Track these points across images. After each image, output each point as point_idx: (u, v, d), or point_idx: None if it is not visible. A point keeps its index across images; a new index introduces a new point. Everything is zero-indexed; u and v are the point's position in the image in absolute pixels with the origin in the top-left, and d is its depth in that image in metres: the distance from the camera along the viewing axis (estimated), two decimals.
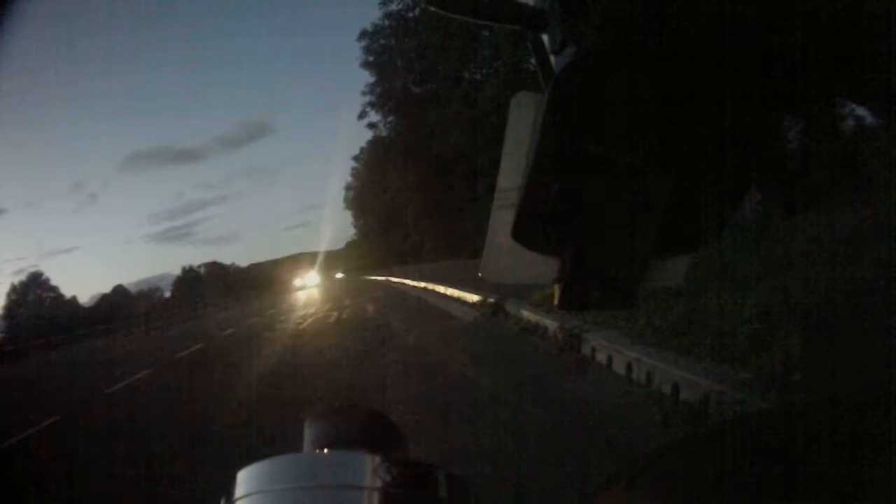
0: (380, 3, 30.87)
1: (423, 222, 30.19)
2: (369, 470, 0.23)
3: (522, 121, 0.38)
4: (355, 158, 49.33)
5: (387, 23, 31.90)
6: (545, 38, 0.37)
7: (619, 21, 0.30)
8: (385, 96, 33.62)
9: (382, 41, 32.72)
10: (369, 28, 32.82)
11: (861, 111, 0.36)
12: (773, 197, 0.37)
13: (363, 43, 33.04)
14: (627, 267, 0.39)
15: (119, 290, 79.35)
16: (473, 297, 9.19)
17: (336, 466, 0.23)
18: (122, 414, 6.11)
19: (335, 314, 13.40)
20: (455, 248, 24.69)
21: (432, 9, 0.36)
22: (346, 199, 54.87)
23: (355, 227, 56.84)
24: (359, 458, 0.23)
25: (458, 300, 10.38)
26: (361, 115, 35.77)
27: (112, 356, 15.16)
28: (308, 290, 45.69)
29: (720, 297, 3.73)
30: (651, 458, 0.39)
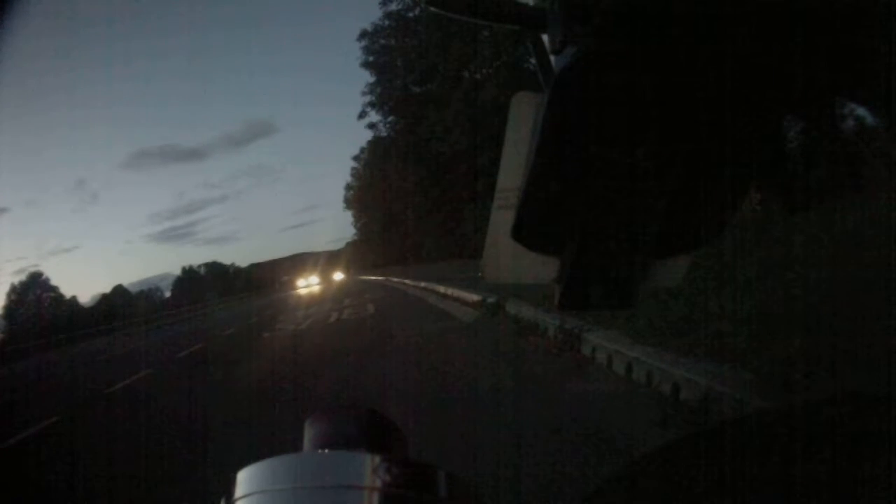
0: (380, 3, 30.92)
1: (423, 222, 30.18)
2: (369, 470, 0.22)
3: (522, 121, 0.38)
4: (355, 158, 49.48)
5: (387, 23, 31.94)
6: (545, 38, 0.37)
7: (620, 21, 0.30)
8: (385, 96, 33.63)
9: (382, 41, 32.75)
10: (369, 28, 32.88)
11: (861, 111, 0.36)
12: (773, 197, 0.37)
13: (363, 43, 33.10)
14: (627, 267, 0.39)
15: (119, 290, 79.40)
16: (473, 297, 9.19)
17: (336, 466, 0.23)
18: (122, 414, 6.12)
19: (335, 314, 13.40)
20: (455, 248, 24.70)
21: (432, 9, 0.36)
22: (346, 199, 55.03)
23: (355, 227, 56.94)
24: (359, 458, 0.23)
25: (458, 300, 10.37)
26: (361, 115, 35.82)
27: (112, 356, 15.19)
28: (308, 289, 45.69)
29: (720, 297, 3.73)
30: (650, 458, 0.39)
